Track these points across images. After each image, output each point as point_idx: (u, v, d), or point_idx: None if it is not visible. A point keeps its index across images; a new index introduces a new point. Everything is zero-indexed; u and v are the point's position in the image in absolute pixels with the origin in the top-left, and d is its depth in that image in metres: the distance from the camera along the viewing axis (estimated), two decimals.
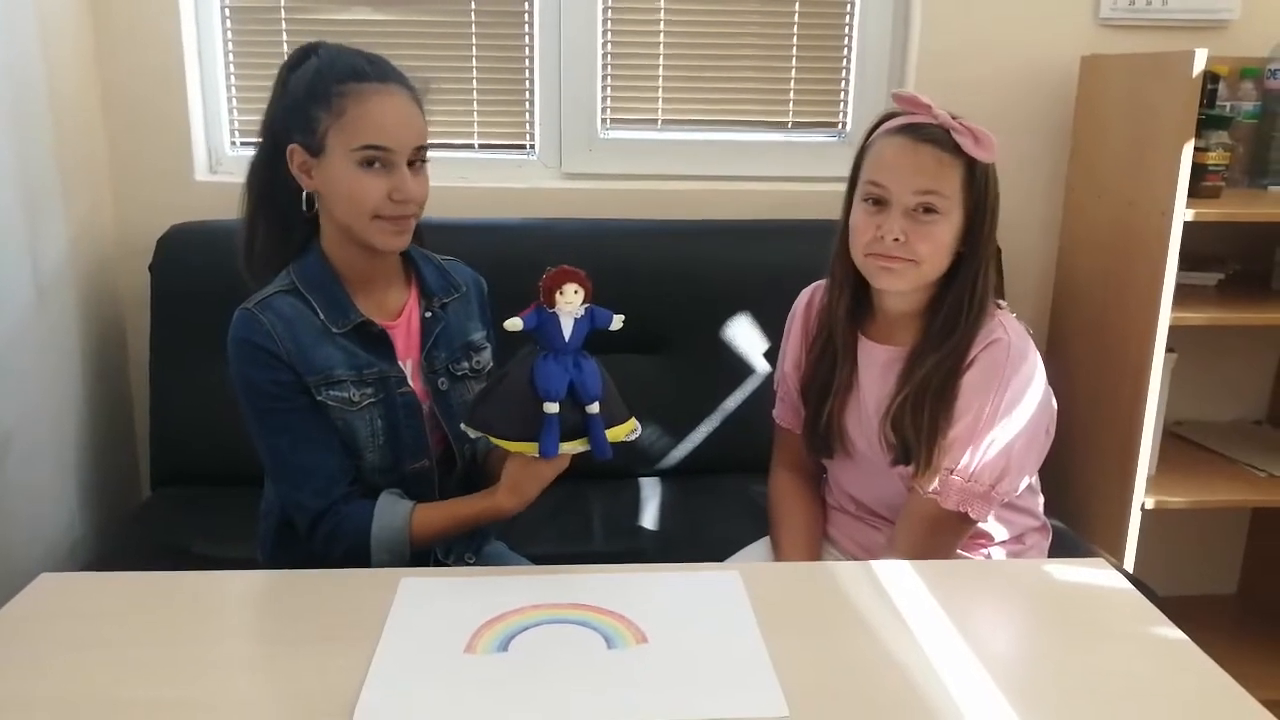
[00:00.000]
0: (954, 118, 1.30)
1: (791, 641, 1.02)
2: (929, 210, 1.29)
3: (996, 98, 2.06)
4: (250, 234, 1.34)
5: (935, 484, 1.32)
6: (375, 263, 1.32)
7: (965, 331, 1.32)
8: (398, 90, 1.26)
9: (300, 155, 1.26)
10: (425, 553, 1.36)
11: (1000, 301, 1.38)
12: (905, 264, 1.31)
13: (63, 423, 1.87)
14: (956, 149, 1.28)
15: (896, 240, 1.30)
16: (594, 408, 1.16)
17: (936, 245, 1.30)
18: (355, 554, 1.26)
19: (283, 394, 1.26)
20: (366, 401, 1.29)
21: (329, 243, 1.31)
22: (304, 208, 1.29)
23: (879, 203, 1.32)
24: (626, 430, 1.21)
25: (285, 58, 2.06)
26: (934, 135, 1.30)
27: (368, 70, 1.25)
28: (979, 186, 1.31)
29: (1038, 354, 1.35)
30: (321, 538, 1.28)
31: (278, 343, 1.25)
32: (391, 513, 1.28)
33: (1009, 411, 1.30)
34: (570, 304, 1.15)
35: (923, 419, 1.31)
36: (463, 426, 1.24)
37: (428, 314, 1.36)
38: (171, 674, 0.97)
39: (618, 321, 1.19)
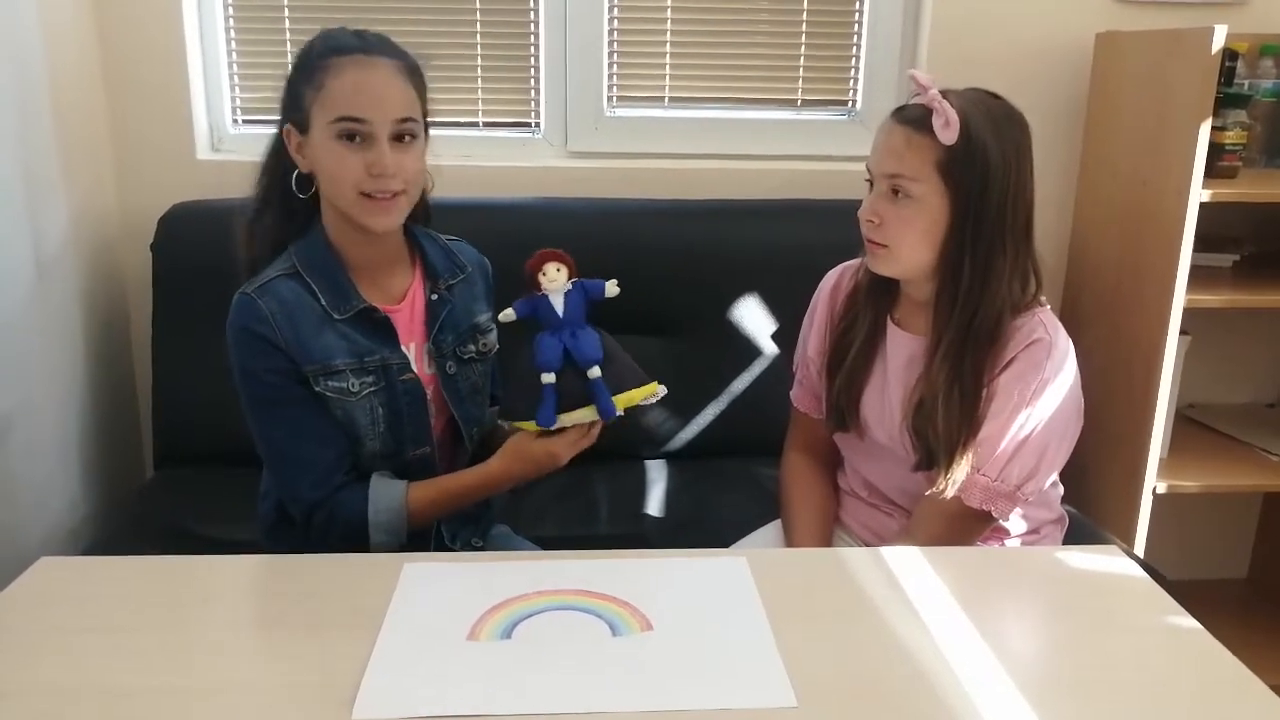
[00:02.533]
0: (947, 94, 1.23)
1: (800, 630, 1.01)
2: (898, 193, 1.26)
3: (1009, 75, 2.01)
4: (259, 214, 1.32)
5: (959, 484, 1.28)
6: (376, 245, 1.30)
7: (984, 332, 1.26)
8: (382, 61, 1.23)
9: (295, 135, 1.25)
10: (426, 535, 1.36)
11: (1042, 299, 1.32)
12: (881, 248, 1.29)
13: (65, 404, 1.86)
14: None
15: (870, 222, 1.28)
16: (594, 371, 1.18)
17: (907, 230, 1.26)
18: (351, 539, 1.25)
19: (280, 383, 1.25)
20: (366, 391, 1.28)
21: (329, 225, 1.29)
22: (296, 189, 1.27)
23: (871, 186, 1.30)
24: (645, 393, 1.23)
25: (287, 34, 2.06)
26: (911, 115, 1.25)
27: (352, 44, 1.23)
28: (961, 170, 1.22)
29: (1073, 352, 1.31)
30: (318, 527, 1.26)
31: (276, 330, 1.23)
32: (388, 494, 1.27)
33: (1044, 413, 1.27)
34: (554, 282, 1.19)
35: (950, 423, 1.27)
36: (499, 421, 1.30)
37: (434, 296, 1.34)
38: (171, 660, 0.96)
39: (612, 288, 1.22)
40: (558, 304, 1.19)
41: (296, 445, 1.27)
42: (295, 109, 1.24)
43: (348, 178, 1.21)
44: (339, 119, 1.20)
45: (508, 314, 1.21)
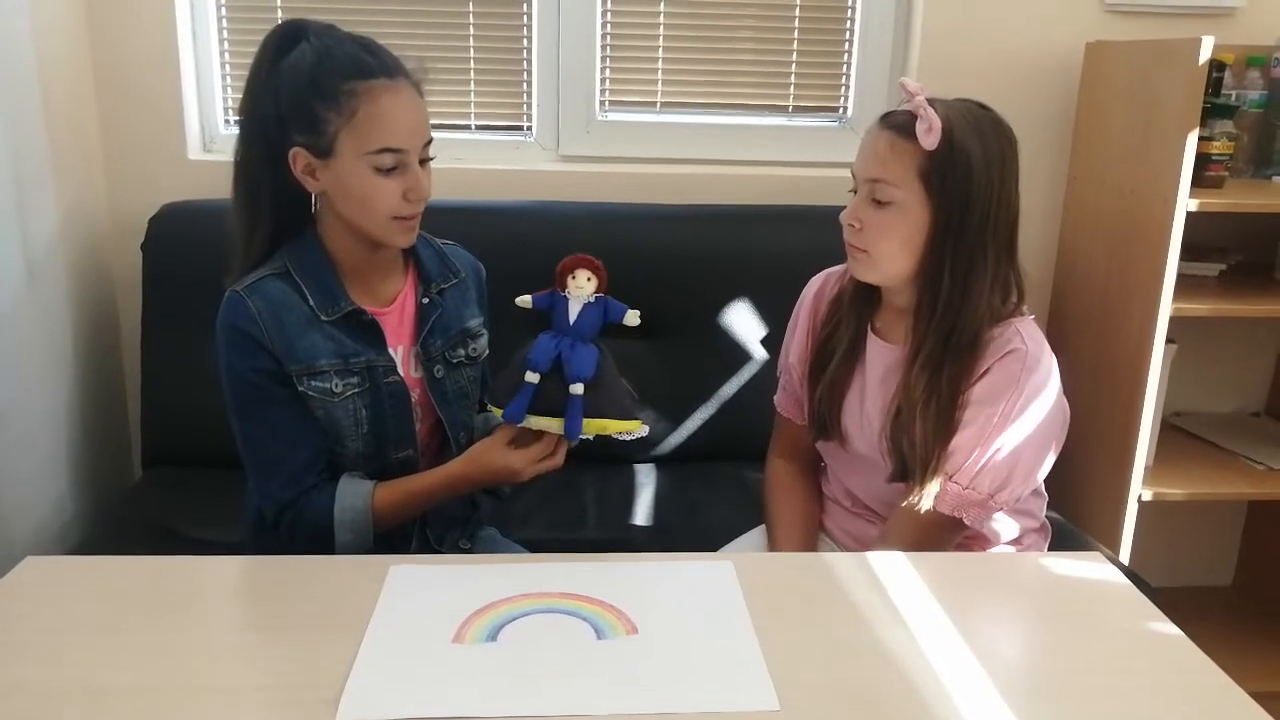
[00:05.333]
0: (934, 102, 1.22)
1: (784, 634, 1.01)
2: (878, 199, 1.25)
3: (999, 84, 2.04)
4: (248, 226, 1.28)
5: (933, 493, 1.28)
6: (376, 254, 1.30)
7: (963, 344, 1.26)
8: (405, 85, 1.22)
9: (305, 158, 1.22)
10: (409, 536, 1.37)
11: (1024, 309, 1.31)
12: (861, 253, 1.29)
13: (54, 403, 1.86)
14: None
15: (851, 226, 1.28)
16: (577, 388, 1.17)
17: (887, 236, 1.26)
18: (318, 538, 1.26)
19: (263, 383, 1.25)
20: (350, 392, 1.28)
21: (328, 233, 1.29)
22: (306, 206, 1.27)
23: (855, 191, 1.30)
24: (621, 427, 1.21)
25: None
26: (896, 121, 1.25)
27: (373, 64, 1.21)
28: (943, 178, 1.22)
29: (1055, 363, 1.30)
30: (286, 525, 1.27)
31: (263, 329, 1.23)
32: (354, 493, 1.27)
33: (1017, 422, 1.26)
34: (581, 289, 1.18)
35: (926, 435, 1.26)
36: (486, 403, 1.30)
37: (425, 300, 1.34)
38: (157, 660, 0.96)
39: (633, 317, 1.20)
40: (573, 310, 1.18)
41: (273, 445, 1.27)
42: (311, 132, 1.20)
43: (385, 205, 1.22)
44: (381, 150, 1.19)
45: (524, 300, 1.20)
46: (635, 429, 1.22)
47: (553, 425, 1.19)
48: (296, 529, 1.27)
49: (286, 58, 1.22)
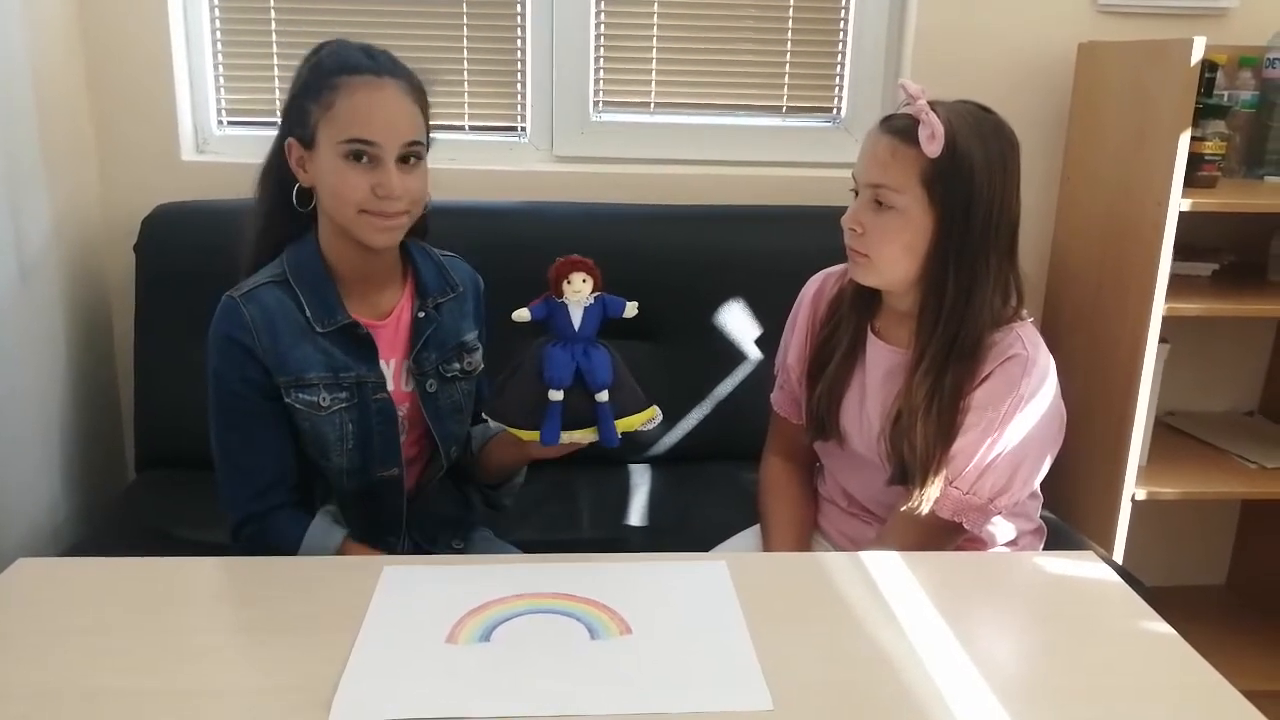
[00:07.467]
0: (936, 106, 1.22)
1: (778, 634, 1.01)
2: (881, 203, 1.25)
3: (992, 85, 2.04)
4: (267, 221, 1.31)
5: (933, 500, 1.28)
6: (371, 261, 1.29)
7: (966, 350, 1.25)
8: (392, 84, 1.22)
9: (297, 149, 1.25)
10: (398, 532, 1.37)
11: (1024, 313, 1.30)
12: (862, 257, 1.28)
13: (47, 405, 1.85)
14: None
15: (853, 230, 1.28)
16: (603, 396, 1.17)
17: (889, 241, 1.25)
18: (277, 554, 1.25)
19: (248, 393, 1.25)
20: (337, 406, 1.28)
21: (325, 238, 1.29)
22: (297, 203, 1.27)
23: (856, 194, 1.30)
24: (643, 419, 1.21)
25: (273, 36, 2.04)
26: (898, 125, 1.24)
27: (364, 63, 1.22)
28: (945, 184, 1.21)
29: (1053, 367, 1.30)
30: (246, 539, 1.28)
31: (255, 338, 1.24)
32: (322, 543, 1.27)
33: (1019, 428, 1.26)
34: (578, 293, 1.16)
35: (927, 440, 1.26)
36: (484, 416, 1.27)
37: (420, 314, 1.33)
38: (150, 662, 0.95)
39: (631, 309, 1.19)
40: (575, 316, 1.16)
41: (246, 456, 1.28)
42: (300, 124, 1.23)
43: (352, 196, 1.21)
44: (348, 140, 1.20)
45: (521, 314, 1.17)
46: (654, 416, 1.22)
47: (587, 436, 1.18)
48: (256, 543, 1.27)
49: (302, 67, 1.27)
